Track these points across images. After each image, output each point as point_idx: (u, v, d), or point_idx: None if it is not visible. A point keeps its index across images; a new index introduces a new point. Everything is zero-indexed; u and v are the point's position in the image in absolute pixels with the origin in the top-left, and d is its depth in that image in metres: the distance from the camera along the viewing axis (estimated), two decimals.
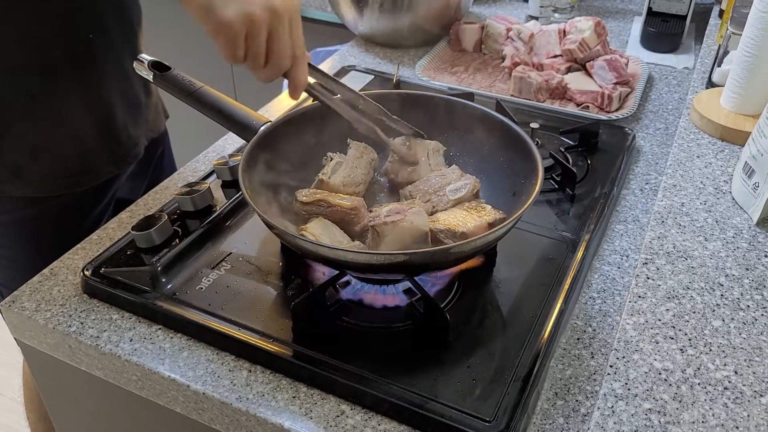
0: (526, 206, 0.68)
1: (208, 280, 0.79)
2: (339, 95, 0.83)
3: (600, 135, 1.06)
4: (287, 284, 0.79)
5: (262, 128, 0.81)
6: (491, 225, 0.73)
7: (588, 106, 1.15)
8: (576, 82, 1.19)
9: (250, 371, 0.70)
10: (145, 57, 0.85)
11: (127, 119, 0.99)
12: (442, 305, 0.75)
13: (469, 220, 0.73)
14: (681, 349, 0.63)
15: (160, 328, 0.75)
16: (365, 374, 0.67)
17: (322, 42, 1.60)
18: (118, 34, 0.96)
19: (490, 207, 0.76)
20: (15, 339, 0.82)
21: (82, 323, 0.76)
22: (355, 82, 1.22)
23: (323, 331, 0.73)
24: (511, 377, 0.67)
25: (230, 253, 0.83)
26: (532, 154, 0.75)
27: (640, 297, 0.69)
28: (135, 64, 0.85)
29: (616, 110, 1.14)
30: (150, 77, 0.84)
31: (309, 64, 0.78)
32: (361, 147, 0.84)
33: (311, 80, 0.81)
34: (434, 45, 1.37)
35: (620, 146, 1.04)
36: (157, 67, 0.84)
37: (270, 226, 0.69)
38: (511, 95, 1.19)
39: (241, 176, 0.72)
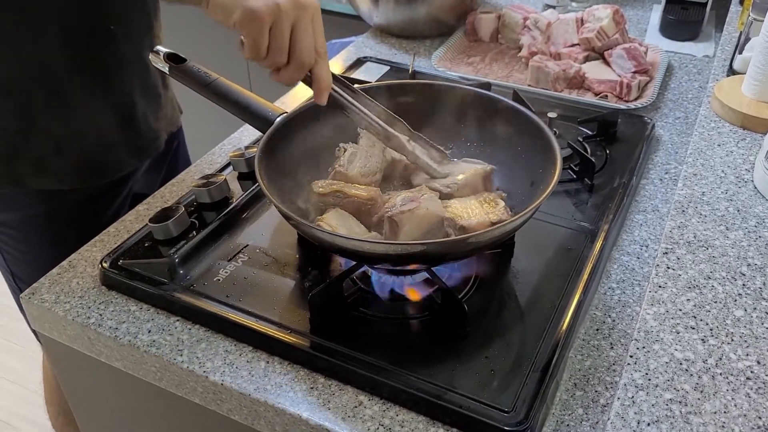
0: (544, 196, 0.67)
1: (226, 272, 0.79)
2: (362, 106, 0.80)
3: (619, 124, 1.04)
4: (304, 276, 0.79)
5: (278, 119, 0.80)
6: (494, 224, 0.72)
7: (606, 96, 1.14)
8: (594, 71, 1.17)
9: (267, 362, 0.70)
10: (161, 49, 0.85)
11: (147, 111, 1.00)
12: (459, 296, 0.75)
13: (474, 214, 0.72)
14: (702, 339, 0.62)
15: (178, 320, 0.75)
16: (383, 365, 0.67)
17: (337, 34, 1.60)
18: (138, 25, 0.96)
19: (503, 205, 0.75)
20: (35, 331, 0.83)
21: (100, 315, 0.76)
22: (371, 73, 1.22)
23: (340, 322, 0.73)
24: (530, 368, 0.67)
25: (247, 245, 0.83)
26: (550, 144, 0.74)
27: (660, 287, 0.68)
28: (151, 56, 0.85)
29: (635, 99, 1.13)
30: (166, 69, 0.84)
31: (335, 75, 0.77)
32: (371, 135, 0.83)
33: (334, 87, 0.78)
34: (450, 35, 1.36)
35: (639, 136, 1.03)
36: (172, 58, 0.84)
37: (287, 217, 0.69)
38: (529, 85, 1.18)
39: (257, 167, 0.72)
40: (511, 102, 0.83)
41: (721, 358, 0.60)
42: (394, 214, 0.69)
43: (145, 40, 0.97)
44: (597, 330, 0.74)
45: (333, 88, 0.78)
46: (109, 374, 0.79)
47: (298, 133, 0.82)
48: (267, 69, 0.74)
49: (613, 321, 0.75)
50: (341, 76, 0.80)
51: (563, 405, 0.66)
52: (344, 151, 0.80)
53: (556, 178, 0.70)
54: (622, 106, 1.09)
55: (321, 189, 0.75)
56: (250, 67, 1.93)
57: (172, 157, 1.12)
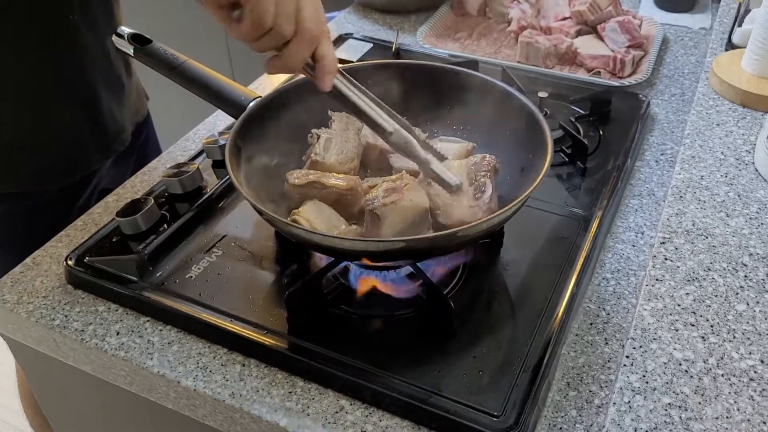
0: (533, 186, 0.63)
1: (199, 268, 0.74)
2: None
3: (612, 102, 1.00)
4: (282, 270, 0.75)
5: (251, 104, 0.76)
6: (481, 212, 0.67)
7: (599, 72, 1.09)
8: (586, 46, 1.12)
9: (243, 365, 0.66)
10: (125, 29, 0.79)
11: (112, 103, 0.94)
12: (446, 291, 0.71)
13: (460, 203, 0.68)
14: (702, 337, 0.58)
15: (148, 320, 0.71)
16: (365, 367, 0.63)
17: None
18: (99, 13, 0.89)
19: (489, 194, 0.69)
20: None
21: (66, 316, 0.72)
22: (353, 51, 1.16)
23: (320, 321, 0.69)
24: (521, 367, 0.63)
25: (222, 238, 0.78)
26: (541, 128, 0.70)
27: (657, 280, 0.64)
28: (114, 38, 0.80)
29: (629, 75, 1.08)
30: (130, 51, 0.79)
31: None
32: (344, 118, 0.78)
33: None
34: (436, 9, 1.30)
35: (634, 114, 0.98)
36: (137, 40, 0.79)
37: (261, 212, 0.65)
38: (518, 62, 1.13)
39: (227, 158, 0.67)
40: (498, 82, 0.78)
41: (722, 358, 0.57)
42: (376, 207, 0.64)
43: (106, 28, 0.91)
44: (591, 324, 0.70)
45: (338, 79, 0.67)
46: (79, 377, 0.75)
47: (273, 118, 0.77)
48: (262, 54, 0.63)
49: (608, 314, 0.71)
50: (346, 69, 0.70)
51: (555, 406, 0.62)
52: (318, 138, 0.75)
53: (546, 165, 0.65)
54: (616, 83, 1.05)
55: (297, 180, 0.70)
56: (230, 50, 1.86)
57: (141, 148, 1.06)
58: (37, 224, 0.93)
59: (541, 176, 0.63)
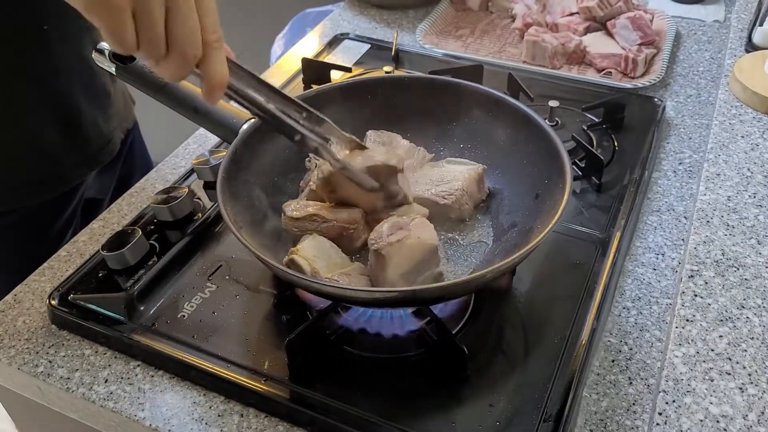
0: (548, 229, 0.58)
1: (191, 306, 0.69)
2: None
3: (626, 107, 0.94)
4: (281, 304, 0.70)
5: (244, 128, 0.70)
6: None
7: (610, 72, 1.03)
8: (596, 44, 1.06)
9: (242, 415, 0.61)
10: (105, 46, 0.73)
11: (96, 113, 0.88)
12: (456, 328, 0.66)
13: None
14: (740, 388, 0.54)
15: (138, 365, 0.66)
16: (372, 418, 0.59)
17: (312, 2, 1.48)
18: (76, 22, 0.83)
19: None
20: None
21: (50, 362, 0.67)
22: (349, 53, 1.10)
23: (322, 364, 0.64)
24: (541, 416, 0.59)
25: (216, 270, 0.73)
26: (557, 153, 0.64)
27: (688, 321, 0.59)
28: (94, 55, 0.73)
29: (642, 75, 1.02)
30: (112, 70, 0.73)
31: (231, 61, 0.55)
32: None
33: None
34: (435, 4, 1.23)
35: (650, 119, 0.92)
36: (120, 57, 0.73)
37: (255, 255, 0.59)
38: (524, 62, 1.07)
39: (219, 193, 0.62)
40: (510, 99, 0.72)
41: (763, 413, 0.52)
42: (381, 247, 0.59)
43: (85, 37, 0.84)
44: (612, 361, 0.65)
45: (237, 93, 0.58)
46: (67, 423, 0.70)
47: (270, 141, 0.72)
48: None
49: (630, 349, 0.66)
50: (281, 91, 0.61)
51: None
52: (316, 164, 0.70)
53: (566, 197, 0.60)
54: (628, 85, 0.99)
55: (295, 213, 0.65)
56: None
57: (127, 155, 1.00)
58: (21, 239, 0.88)
59: (558, 215, 0.58)
